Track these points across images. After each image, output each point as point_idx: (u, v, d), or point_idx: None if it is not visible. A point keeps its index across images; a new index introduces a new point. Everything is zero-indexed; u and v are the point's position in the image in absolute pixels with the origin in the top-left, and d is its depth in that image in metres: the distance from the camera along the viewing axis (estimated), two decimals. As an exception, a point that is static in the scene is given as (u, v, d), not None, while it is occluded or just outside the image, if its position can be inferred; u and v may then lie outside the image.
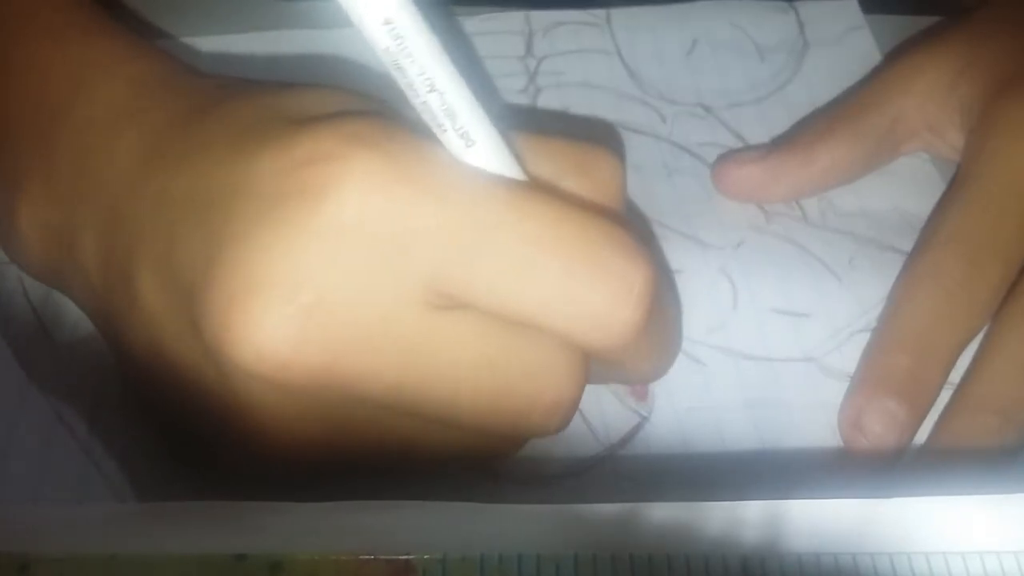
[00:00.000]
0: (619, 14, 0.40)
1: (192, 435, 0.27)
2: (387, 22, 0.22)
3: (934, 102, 0.35)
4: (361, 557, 0.24)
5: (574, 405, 0.26)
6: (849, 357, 0.31)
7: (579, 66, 0.39)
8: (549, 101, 0.38)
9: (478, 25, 0.40)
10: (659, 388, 0.31)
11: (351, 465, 0.25)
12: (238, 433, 0.25)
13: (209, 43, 0.39)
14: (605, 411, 0.30)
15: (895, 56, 0.38)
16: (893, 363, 0.30)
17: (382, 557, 0.24)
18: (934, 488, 0.25)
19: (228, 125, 0.26)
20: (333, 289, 0.23)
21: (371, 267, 0.23)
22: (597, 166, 0.26)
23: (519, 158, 0.25)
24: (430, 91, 0.23)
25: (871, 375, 0.30)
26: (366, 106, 0.25)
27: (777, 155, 0.35)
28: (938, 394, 0.30)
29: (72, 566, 0.23)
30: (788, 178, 0.35)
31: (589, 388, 0.30)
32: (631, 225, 0.26)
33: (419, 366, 0.24)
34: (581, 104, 0.38)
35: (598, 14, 0.40)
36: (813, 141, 0.35)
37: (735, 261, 0.34)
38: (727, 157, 0.36)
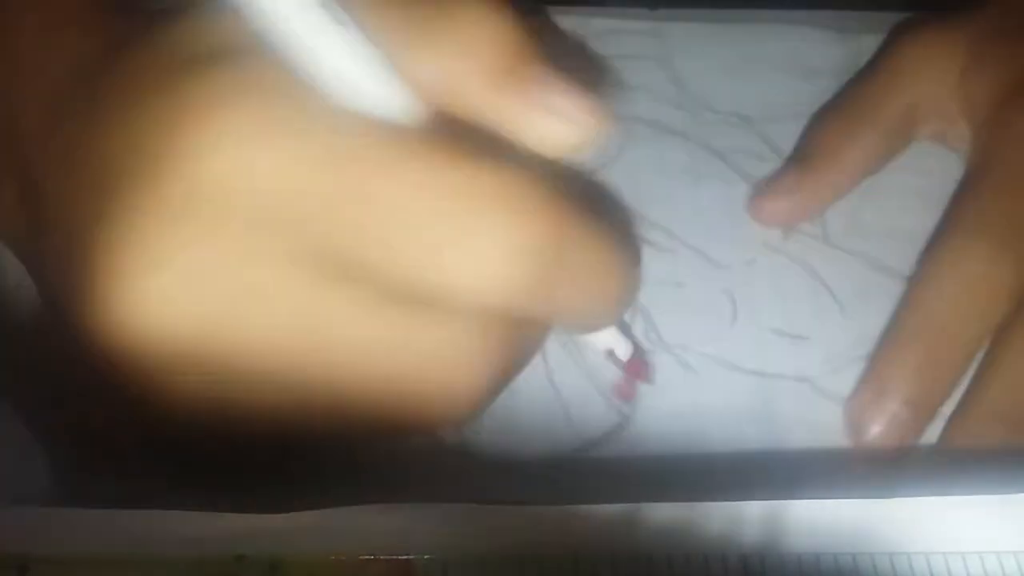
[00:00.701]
0: (674, 28, 0.40)
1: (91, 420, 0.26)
2: None
3: (947, 90, 0.35)
4: (361, 557, 0.24)
5: (479, 395, 0.24)
6: (846, 381, 0.31)
7: (623, 67, 0.39)
8: None
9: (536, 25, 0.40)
10: (646, 390, 0.31)
11: (252, 433, 0.25)
12: (129, 403, 0.24)
13: None
14: (588, 407, 0.30)
15: (902, 42, 0.36)
16: (905, 359, 0.30)
17: (382, 557, 0.24)
18: (934, 488, 0.25)
19: (121, 76, 0.24)
20: (208, 257, 0.22)
21: (245, 237, 0.22)
22: (474, 35, 0.24)
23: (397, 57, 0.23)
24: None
25: (881, 371, 0.30)
26: (245, 37, 0.23)
27: (812, 177, 0.34)
28: (951, 391, 0.30)
29: (73, 566, 0.23)
30: (825, 195, 0.35)
31: (576, 384, 0.30)
32: (543, 95, 0.24)
33: (306, 339, 0.23)
34: (618, 102, 0.38)
35: (654, 26, 0.40)
36: (839, 149, 0.35)
37: (740, 281, 0.33)
38: (760, 190, 0.35)
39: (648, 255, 0.34)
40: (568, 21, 0.40)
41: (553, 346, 0.31)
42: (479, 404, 0.25)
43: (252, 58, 0.23)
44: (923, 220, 0.34)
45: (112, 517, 0.24)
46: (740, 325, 0.32)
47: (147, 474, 0.26)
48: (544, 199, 0.23)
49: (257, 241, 0.22)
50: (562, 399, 0.30)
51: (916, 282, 0.31)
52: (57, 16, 0.28)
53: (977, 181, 0.33)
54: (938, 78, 0.35)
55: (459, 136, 0.24)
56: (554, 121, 0.24)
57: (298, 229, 0.22)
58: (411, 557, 0.24)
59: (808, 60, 0.39)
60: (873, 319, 0.32)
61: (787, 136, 0.37)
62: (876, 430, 0.29)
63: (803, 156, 0.35)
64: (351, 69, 0.22)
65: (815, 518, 0.24)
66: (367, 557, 0.24)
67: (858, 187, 0.35)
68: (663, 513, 0.24)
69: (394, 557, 0.24)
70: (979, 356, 0.30)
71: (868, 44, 0.39)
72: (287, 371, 0.23)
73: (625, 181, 0.35)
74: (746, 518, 0.24)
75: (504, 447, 0.29)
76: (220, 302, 0.22)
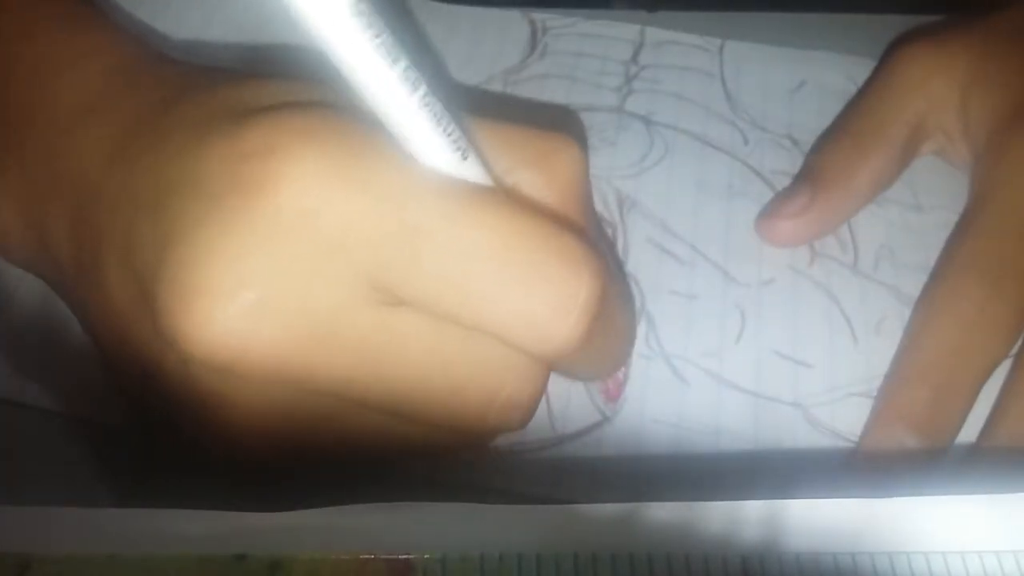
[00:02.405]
0: (732, 46, 0.41)
1: (165, 424, 0.27)
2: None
3: (952, 106, 0.35)
4: (361, 557, 0.24)
5: (533, 402, 0.26)
6: (840, 416, 0.31)
7: (678, 80, 0.39)
8: (636, 103, 0.38)
9: (594, 28, 0.41)
10: (632, 393, 0.31)
11: (318, 456, 0.26)
12: (205, 421, 0.25)
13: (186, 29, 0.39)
14: (571, 402, 0.30)
15: (905, 56, 0.36)
16: (912, 397, 0.30)
17: (382, 557, 0.24)
18: (934, 488, 0.25)
19: (186, 119, 0.26)
20: (277, 285, 0.23)
21: (313, 263, 0.23)
22: (556, 156, 0.26)
23: (476, 147, 0.25)
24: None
25: (890, 410, 0.30)
26: (321, 97, 0.25)
27: (824, 197, 0.34)
28: (960, 426, 0.30)
29: (73, 566, 0.23)
30: (837, 215, 0.35)
31: (563, 378, 0.30)
32: (586, 227, 0.26)
33: (369, 362, 0.24)
34: (668, 111, 0.38)
35: (712, 42, 0.41)
36: (852, 169, 0.35)
37: (755, 300, 0.33)
38: (770, 211, 0.35)
39: (667, 266, 0.34)
40: (628, 30, 0.40)
41: None
42: (532, 410, 0.26)
43: (329, 108, 0.24)
44: None
45: (112, 516, 0.24)
46: (744, 343, 0.32)
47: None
48: (595, 258, 0.24)
49: (327, 267, 0.23)
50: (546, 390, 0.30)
51: (919, 321, 0.31)
52: (119, 72, 0.29)
53: (973, 218, 0.33)
54: (941, 94, 0.35)
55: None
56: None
57: (363, 258, 0.23)
58: (411, 556, 0.24)
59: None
60: (885, 354, 0.32)
61: None
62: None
63: (814, 176, 0.35)
64: (429, 134, 0.23)
65: (814, 517, 0.24)
66: (367, 556, 0.24)
67: (894, 221, 0.35)
68: (663, 513, 0.24)
69: (394, 556, 0.24)
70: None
71: None
72: (355, 390, 0.24)
73: (659, 190, 0.35)
74: (746, 518, 0.24)
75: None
76: (296, 321, 0.23)
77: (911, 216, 0.35)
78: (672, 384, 0.31)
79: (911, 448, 0.29)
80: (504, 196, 0.24)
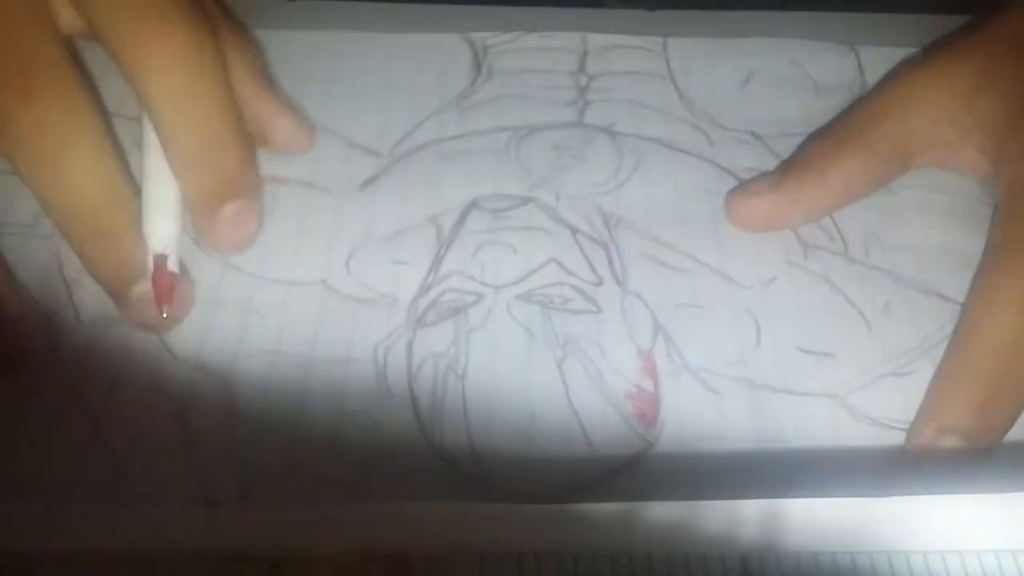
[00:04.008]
0: (675, 43, 0.41)
1: None
2: None
3: (948, 118, 0.35)
4: (362, 556, 0.24)
5: None
6: (875, 400, 0.30)
7: (630, 86, 0.39)
8: (595, 115, 0.38)
9: (535, 41, 0.41)
10: (667, 415, 0.30)
11: None
12: None
13: None
14: (609, 433, 0.29)
15: (904, 69, 0.36)
16: (968, 398, 0.29)
17: (383, 556, 0.24)
18: (933, 487, 0.25)
19: None
20: None
21: None
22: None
23: None
24: None
25: (942, 410, 0.29)
26: None
27: (790, 182, 0.34)
28: (1013, 423, 0.29)
29: (74, 565, 0.23)
30: (803, 204, 0.34)
31: (596, 407, 0.29)
32: None
33: None
34: (628, 120, 0.38)
35: (654, 41, 0.41)
36: (824, 164, 0.35)
37: (763, 300, 0.33)
38: (738, 189, 0.35)
39: (667, 279, 0.34)
40: (568, 38, 0.41)
41: (574, 370, 0.30)
42: None
43: None
44: (944, 235, 0.34)
45: (114, 516, 0.24)
46: (764, 345, 0.32)
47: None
48: None
49: None
50: (582, 424, 0.29)
51: (970, 315, 0.30)
52: None
53: (1015, 208, 0.32)
54: (939, 107, 0.35)
55: None
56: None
57: None
58: (411, 556, 0.24)
59: (814, 74, 0.39)
60: (900, 334, 0.32)
61: None
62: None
63: (787, 166, 0.35)
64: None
65: (814, 517, 0.24)
66: (368, 556, 0.24)
67: (873, 205, 0.35)
68: (663, 512, 0.24)
69: (394, 556, 0.24)
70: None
71: (871, 56, 0.39)
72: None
73: (640, 203, 0.35)
74: (745, 517, 0.24)
75: (525, 480, 0.27)
76: None
77: (885, 198, 0.36)
78: (705, 398, 0.30)
79: (960, 447, 0.28)
80: None
